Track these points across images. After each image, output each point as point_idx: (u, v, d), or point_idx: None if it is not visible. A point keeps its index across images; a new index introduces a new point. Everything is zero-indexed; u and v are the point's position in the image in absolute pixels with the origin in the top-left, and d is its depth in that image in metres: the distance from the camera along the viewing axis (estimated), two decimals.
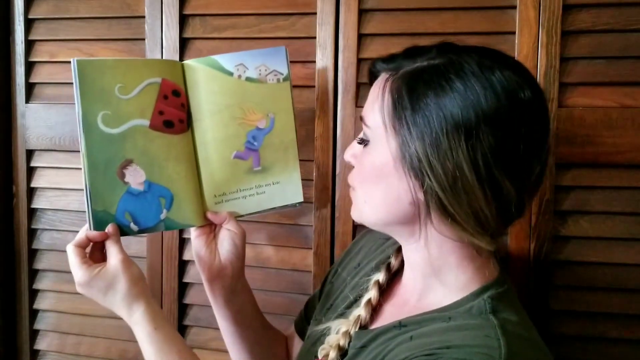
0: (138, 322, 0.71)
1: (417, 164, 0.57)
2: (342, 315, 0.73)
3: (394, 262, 0.73)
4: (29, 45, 1.09)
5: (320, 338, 0.72)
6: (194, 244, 0.82)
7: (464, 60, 0.58)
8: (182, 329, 1.05)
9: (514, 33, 0.85)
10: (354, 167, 0.69)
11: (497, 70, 0.57)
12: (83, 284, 0.72)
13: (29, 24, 1.08)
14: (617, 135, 0.83)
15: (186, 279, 1.04)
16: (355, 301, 0.72)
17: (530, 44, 0.85)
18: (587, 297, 0.86)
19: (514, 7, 0.85)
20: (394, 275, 0.73)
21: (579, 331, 0.87)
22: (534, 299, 0.87)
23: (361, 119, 0.65)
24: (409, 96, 0.58)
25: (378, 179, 0.63)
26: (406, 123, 0.58)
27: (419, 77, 0.59)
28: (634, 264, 0.84)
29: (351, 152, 0.69)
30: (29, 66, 1.10)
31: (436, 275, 0.64)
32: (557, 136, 0.84)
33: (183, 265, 1.04)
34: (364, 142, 0.65)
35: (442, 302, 0.62)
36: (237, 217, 0.84)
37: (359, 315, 0.68)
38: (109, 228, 0.75)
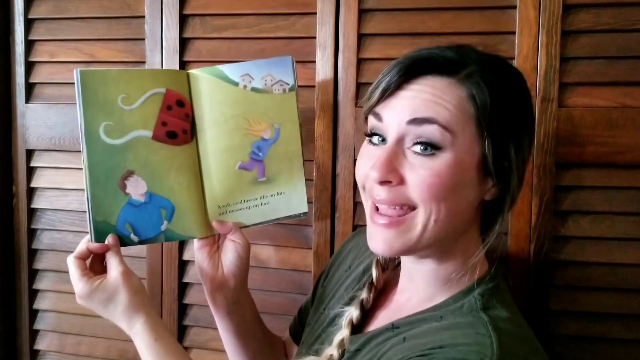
0: (138, 333, 0.71)
1: (508, 166, 0.59)
2: (330, 324, 0.72)
3: (376, 277, 0.71)
4: (29, 45, 1.09)
5: None
6: (196, 255, 0.82)
7: (502, 62, 0.63)
8: (182, 329, 1.05)
9: (514, 33, 0.85)
10: (384, 183, 0.58)
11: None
12: (83, 297, 0.72)
13: (29, 24, 1.08)
14: (617, 135, 0.83)
15: (186, 279, 1.04)
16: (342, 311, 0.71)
17: (530, 44, 0.85)
18: (587, 297, 0.86)
19: (514, 7, 0.85)
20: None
21: (579, 331, 0.87)
22: (534, 299, 0.86)
23: (425, 120, 0.57)
24: (499, 101, 0.58)
25: (458, 187, 0.58)
26: (501, 128, 0.58)
27: (497, 81, 0.59)
28: (634, 264, 0.84)
29: (389, 167, 0.58)
30: (29, 66, 1.10)
31: (449, 281, 0.63)
32: (557, 136, 0.84)
33: (183, 265, 1.04)
34: (431, 147, 0.57)
35: (434, 301, 0.62)
36: (241, 228, 0.83)
37: (331, 355, 0.66)
38: (109, 239, 0.75)
